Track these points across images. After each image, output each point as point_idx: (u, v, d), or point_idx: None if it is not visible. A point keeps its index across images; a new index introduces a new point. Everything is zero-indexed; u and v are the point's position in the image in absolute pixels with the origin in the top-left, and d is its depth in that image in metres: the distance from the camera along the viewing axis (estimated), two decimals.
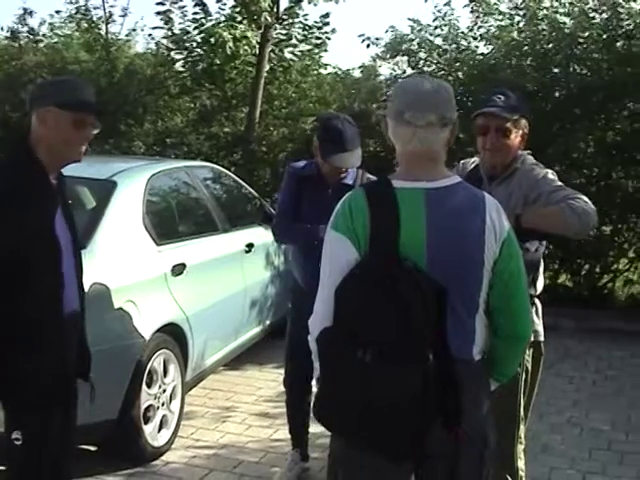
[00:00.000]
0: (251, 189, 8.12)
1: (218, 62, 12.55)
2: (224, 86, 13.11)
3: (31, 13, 16.05)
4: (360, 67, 12.53)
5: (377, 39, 10.93)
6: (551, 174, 3.85)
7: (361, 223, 2.66)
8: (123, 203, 5.45)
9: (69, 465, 3.55)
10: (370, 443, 2.64)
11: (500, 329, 2.82)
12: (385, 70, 14.04)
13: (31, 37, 16.12)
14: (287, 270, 6.93)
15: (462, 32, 10.64)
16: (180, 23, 13.12)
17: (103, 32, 15.17)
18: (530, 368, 3.98)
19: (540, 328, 4.01)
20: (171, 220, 6.32)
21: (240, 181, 7.97)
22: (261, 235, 7.30)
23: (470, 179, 3.35)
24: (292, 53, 13.65)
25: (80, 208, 5.04)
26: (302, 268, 4.88)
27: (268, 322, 7.33)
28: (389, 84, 11.26)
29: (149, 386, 5.19)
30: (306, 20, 13.25)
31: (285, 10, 12.69)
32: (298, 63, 13.60)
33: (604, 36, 9.27)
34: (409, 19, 10.66)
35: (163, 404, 5.38)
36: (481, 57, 10.31)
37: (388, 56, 11.17)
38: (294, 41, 13.48)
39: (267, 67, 12.40)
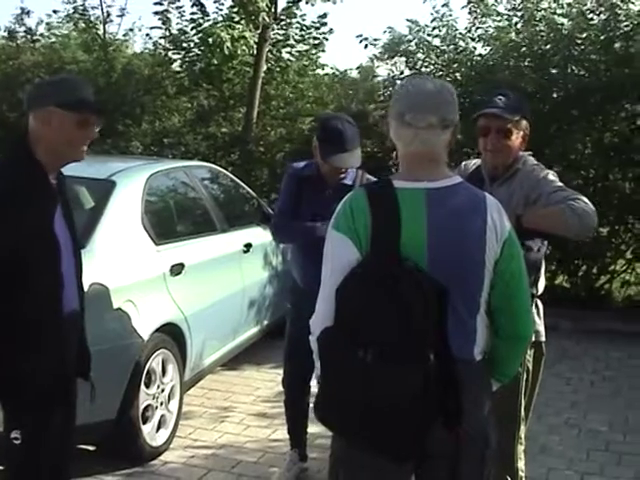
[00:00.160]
0: (249, 189, 8.12)
1: (216, 62, 12.56)
2: (222, 86, 13.12)
3: (28, 13, 16.09)
4: (358, 68, 12.56)
5: (375, 40, 10.97)
6: (552, 175, 3.86)
7: (362, 223, 2.67)
8: (122, 203, 5.44)
9: (68, 465, 3.55)
10: (371, 443, 2.64)
11: (501, 329, 2.83)
12: (383, 71, 14.09)
13: (28, 37, 16.14)
14: (285, 270, 6.94)
15: (460, 33, 10.65)
16: (178, 23, 13.19)
17: (101, 32, 15.17)
18: (531, 368, 3.99)
19: (541, 328, 4.01)
20: (170, 220, 6.31)
21: (238, 181, 7.97)
22: (259, 235, 7.30)
23: (472, 180, 3.35)
24: (290, 53, 13.68)
25: (79, 208, 5.03)
26: (301, 268, 4.88)
27: (266, 322, 7.33)
28: (387, 85, 11.29)
29: (147, 386, 5.19)
30: (304, 20, 13.31)
31: (283, 10, 12.72)
32: (296, 63, 13.62)
33: (602, 37, 9.28)
34: (407, 20, 10.70)
35: (161, 404, 5.38)
36: (479, 58, 10.32)
37: (386, 57, 11.21)
38: (292, 41, 13.50)
39: (265, 67, 12.43)
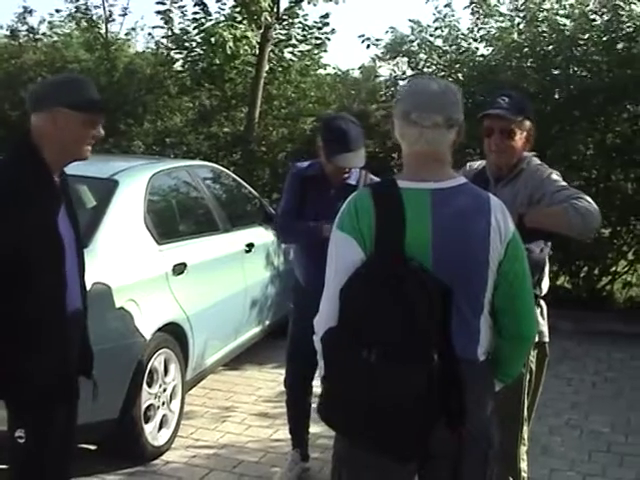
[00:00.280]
0: (251, 189, 8.12)
1: (218, 62, 12.54)
2: (224, 86, 13.09)
3: (31, 12, 16.04)
4: (360, 68, 12.54)
5: (377, 40, 10.93)
6: (556, 175, 3.86)
7: (367, 223, 2.67)
8: (124, 202, 5.45)
9: (70, 464, 3.55)
10: (375, 443, 2.64)
11: (504, 330, 2.83)
12: (385, 71, 14.04)
13: (31, 36, 16.11)
14: (287, 270, 6.95)
15: (462, 33, 10.64)
16: (180, 23, 13.13)
17: (103, 31, 15.15)
18: (534, 369, 3.99)
19: (545, 329, 4.01)
20: (172, 219, 6.31)
21: (241, 181, 7.97)
22: (261, 235, 7.31)
23: (476, 180, 3.36)
24: (292, 53, 13.63)
25: (81, 207, 5.03)
26: (304, 267, 4.88)
27: (268, 322, 7.33)
28: (389, 85, 11.28)
29: (150, 385, 5.19)
30: (306, 20, 13.25)
31: (285, 10, 12.68)
32: (298, 63, 13.59)
33: (604, 38, 9.27)
34: (409, 20, 10.68)
35: (163, 403, 5.38)
36: (481, 58, 10.32)
37: (388, 57, 11.18)
38: (294, 41, 13.47)
39: (267, 67, 12.40)
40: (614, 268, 9.83)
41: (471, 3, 10.61)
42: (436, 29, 10.67)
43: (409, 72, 10.82)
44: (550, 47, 9.59)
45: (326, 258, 2.81)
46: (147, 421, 5.17)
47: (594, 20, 9.59)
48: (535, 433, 5.06)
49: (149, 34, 15.69)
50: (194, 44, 12.89)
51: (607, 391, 6.93)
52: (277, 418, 5.94)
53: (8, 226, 3.09)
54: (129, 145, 12.67)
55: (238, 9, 12.24)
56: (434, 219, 2.66)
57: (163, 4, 12.96)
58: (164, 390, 5.38)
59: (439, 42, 10.64)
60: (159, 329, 5.24)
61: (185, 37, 13.01)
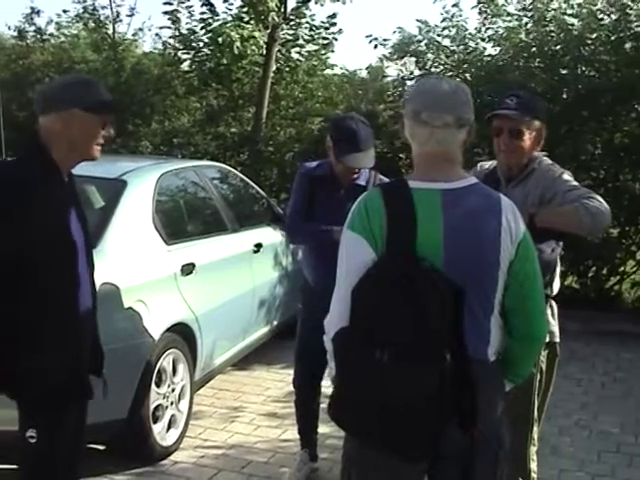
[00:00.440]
0: (259, 189, 8.12)
1: (225, 62, 12.58)
2: (231, 86, 13.12)
3: (38, 12, 16.15)
4: (367, 68, 12.54)
5: (385, 40, 10.93)
6: (567, 174, 3.86)
7: (378, 223, 2.66)
8: (133, 202, 5.45)
9: (79, 463, 3.55)
10: (385, 443, 2.63)
11: (515, 330, 2.82)
12: (392, 71, 14.06)
13: (38, 36, 16.19)
14: (295, 270, 6.96)
15: (470, 33, 10.64)
16: (187, 23, 13.18)
17: (110, 32, 15.19)
18: (545, 369, 3.98)
19: (555, 329, 4.00)
20: (180, 220, 6.31)
21: (248, 181, 7.97)
22: (270, 235, 7.31)
23: (487, 181, 3.36)
24: (299, 53, 13.67)
25: (90, 207, 5.04)
26: (313, 268, 4.87)
27: (276, 322, 7.33)
28: (396, 85, 11.28)
29: (158, 385, 5.19)
30: (313, 20, 13.28)
31: (292, 10, 12.71)
32: (305, 63, 13.61)
33: (612, 38, 9.24)
34: (417, 20, 10.68)
35: (172, 403, 5.38)
36: (489, 58, 10.30)
37: (395, 57, 11.18)
38: (301, 41, 13.49)
39: (274, 67, 12.42)
40: (622, 268, 9.80)
41: (479, 3, 10.61)
42: (444, 29, 10.67)
43: (417, 72, 10.83)
44: (558, 47, 9.58)
45: (335, 258, 2.80)
46: (155, 421, 5.17)
47: (602, 20, 9.57)
48: (545, 433, 5.05)
49: (156, 34, 15.74)
50: (201, 44, 12.94)
51: (616, 391, 6.91)
52: (286, 418, 5.94)
53: (25, 227, 3.09)
54: (137, 145, 12.71)
55: (245, 9, 12.29)
56: (445, 219, 2.66)
57: (170, 4, 13.01)
58: (173, 390, 5.38)
59: (447, 42, 10.65)
60: (168, 329, 5.24)
61: (192, 37, 13.06)
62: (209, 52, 12.84)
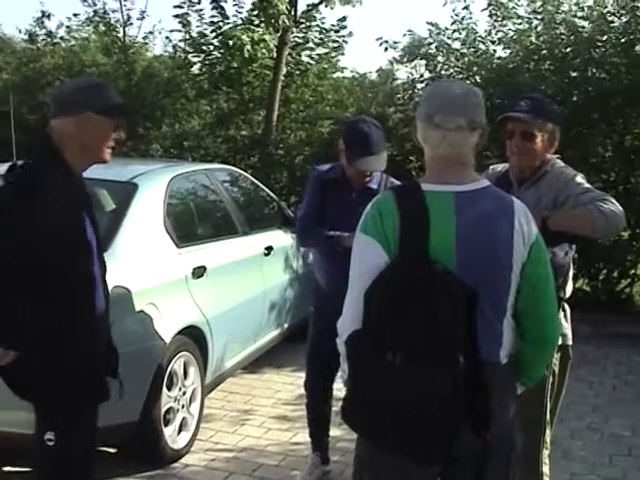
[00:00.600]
0: (270, 192, 8.12)
1: (235, 65, 12.61)
2: (241, 89, 13.12)
3: (49, 16, 16.19)
4: (377, 71, 12.53)
5: (395, 42, 10.93)
6: (580, 177, 3.85)
7: (391, 226, 2.66)
8: (144, 205, 5.46)
9: (93, 466, 3.56)
10: (398, 446, 2.63)
11: (527, 333, 2.81)
12: (402, 74, 14.02)
13: (49, 40, 16.23)
14: (306, 273, 6.95)
15: (480, 36, 10.59)
16: (197, 26, 13.20)
17: (121, 35, 15.22)
18: (557, 372, 3.97)
19: (568, 332, 4.00)
20: (191, 223, 6.32)
21: (259, 184, 7.97)
22: (280, 238, 7.31)
23: (500, 183, 3.36)
24: (309, 56, 13.66)
25: (101, 210, 5.05)
26: (325, 271, 4.87)
27: (287, 325, 7.33)
28: (406, 88, 11.28)
29: (169, 388, 5.20)
30: (323, 23, 13.29)
31: (302, 13, 12.70)
32: (315, 66, 13.61)
33: (623, 40, 9.22)
34: (427, 23, 10.65)
35: (183, 406, 5.39)
36: (499, 61, 10.28)
37: (406, 60, 11.17)
38: (311, 44, 13.50)
39: (284, 70, 12.42)
40: (633, 271, 9.77)
41: (489, 5, 10.58)
42: (454, 32, 10.63)
43: (427, 75, 10.81)
44: (568, 49, 9.56)
45: (348, 262, 2.80)
46: (167, 424, 5.18)
47: (612, 22, 9.55)
48: (556, 437, 5.04)
49: (167, 38, 15.82)
50: (212, 47, 12.98)
51: (627, 394, 6.89)
52: (296, 421, 5.94)
53: (43, 230, 3.10)
54: (147, 148, 12.73)
55: (255, 12, 12.28)
56: (458, 222, 2.66)
57: (181, 8, 13.03)
58: (184, 393, 5.39)
59: (457, 45, 10.61)
60: (179, 332, 5.25)
61: (203, 40, 13.09)
62: (219, 55, 12.87)
